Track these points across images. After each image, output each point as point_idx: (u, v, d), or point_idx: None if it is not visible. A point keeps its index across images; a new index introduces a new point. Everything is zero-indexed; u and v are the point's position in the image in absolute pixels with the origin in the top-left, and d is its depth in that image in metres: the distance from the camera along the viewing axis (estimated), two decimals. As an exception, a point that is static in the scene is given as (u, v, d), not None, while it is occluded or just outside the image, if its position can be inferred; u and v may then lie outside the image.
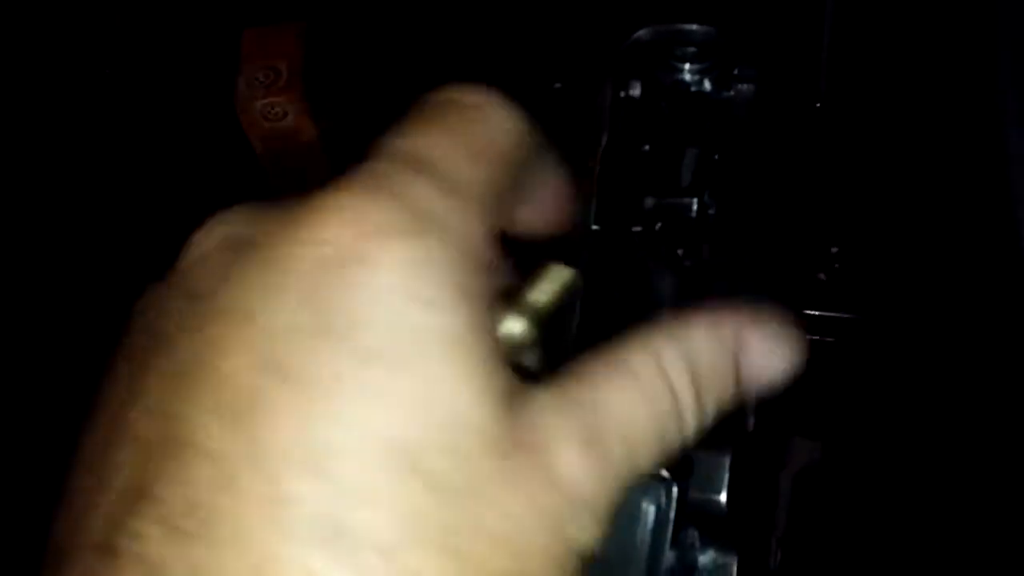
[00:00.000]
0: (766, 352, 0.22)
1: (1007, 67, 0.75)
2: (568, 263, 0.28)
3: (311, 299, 0.17)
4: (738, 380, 0.21)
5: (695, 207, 0.27)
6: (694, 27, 0.26)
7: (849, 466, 0.84)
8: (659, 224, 0.27)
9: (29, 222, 0.80)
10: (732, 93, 0.27)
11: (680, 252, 0.27)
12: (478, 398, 0.17)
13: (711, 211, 0.27)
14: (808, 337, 0.66)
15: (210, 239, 0.20)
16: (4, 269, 0.77)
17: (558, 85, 0.80)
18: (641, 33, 0.27)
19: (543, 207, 0.22)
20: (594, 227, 0.27)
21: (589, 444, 0.18)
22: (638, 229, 0.26)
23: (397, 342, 0.16)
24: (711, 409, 0.21)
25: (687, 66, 0.28)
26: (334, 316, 0.17)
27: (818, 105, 0.27)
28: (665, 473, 0.24)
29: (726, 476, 0.24)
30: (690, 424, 0.21)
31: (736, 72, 0.27)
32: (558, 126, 0.23)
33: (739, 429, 0.25)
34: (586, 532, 0.18)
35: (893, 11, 0.65)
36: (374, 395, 0.16)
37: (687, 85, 0.28)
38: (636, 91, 0.28)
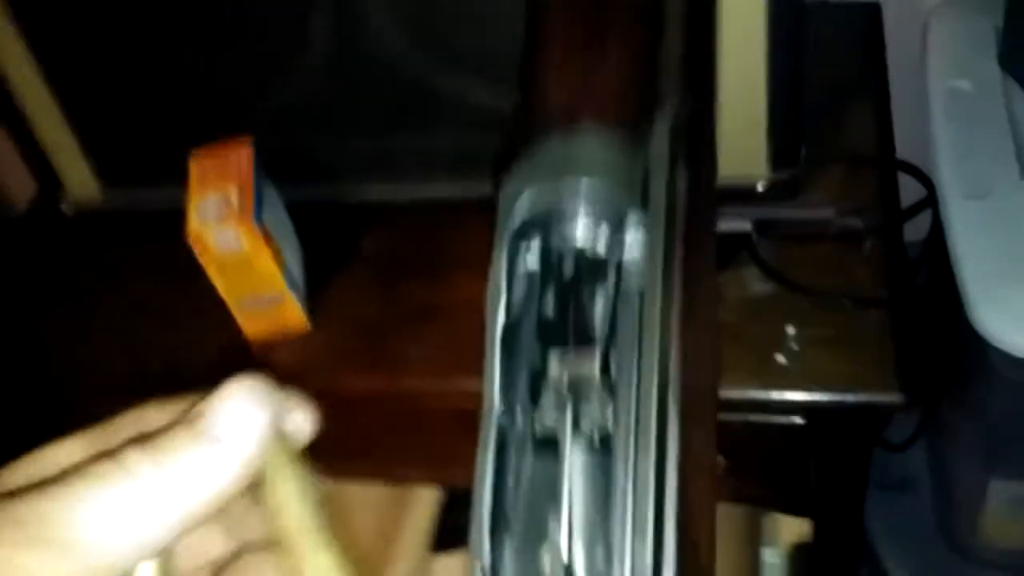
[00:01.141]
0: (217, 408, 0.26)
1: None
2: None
3: None
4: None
5: (597, 371, 0.27)
6: (579, 182, 0.26)
7: (838, 537, 0.83)
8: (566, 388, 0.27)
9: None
10: (625, 249, 0.27)
11: (586, 422, 0.27)
12: None
13: (612, 373, 0.27)
14: (775, 420, 0.65)
15: None
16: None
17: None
18: (527, 195, 0.27)
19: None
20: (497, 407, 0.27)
21: None
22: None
23: None
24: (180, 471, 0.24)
25: (580, 224, 0.28)
26: None
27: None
28: None
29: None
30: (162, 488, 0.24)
31: (626, 234, 0.27)
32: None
33: None
34: None
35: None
36: None
37: (580, 249, 0.28)
38: (533, 258, 0.28)
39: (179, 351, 0.80)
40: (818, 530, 0.82)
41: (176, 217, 0.76)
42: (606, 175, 0.27)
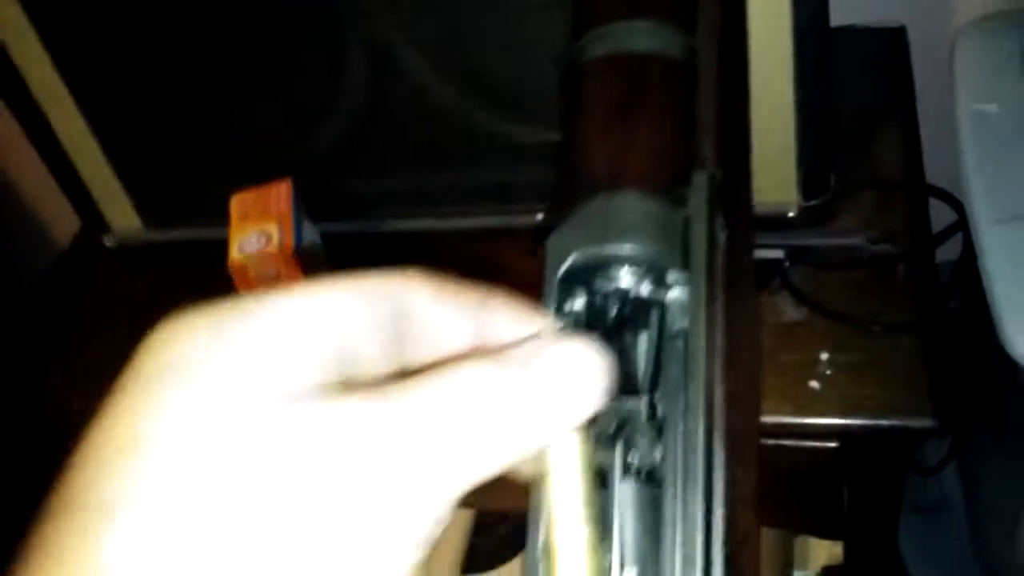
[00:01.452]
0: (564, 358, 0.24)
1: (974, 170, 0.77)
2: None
3: None
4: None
5: (645, 409, 0.29)
6: (622, 247, 0.28)
7: (871, 560, 0.84)
8: (612, 429, 0.28)
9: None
10: (668, 298, 0.29)
11: (634, 458, 0.28)
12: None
13: (658, 411, 0.29)
14: (809, 444, 0.66)
15: None
16: None
17: (540, 216, 0.83)
18: (575, 257, 0.28)
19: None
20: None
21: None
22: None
23: None
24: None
25: (623, 273, 0.30)
26: None
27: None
28: None
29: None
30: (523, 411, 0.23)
31: (669, 281, 0.29)
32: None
33: None
34: None
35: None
36: None
37: (626, 292, 0.30)
38: (579, 304, 0.30)
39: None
40: (850, 553, 0.83)
41: (216, 250, 0.78)
42: (648, 237, 0.28)
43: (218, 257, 0.77)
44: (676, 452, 0.27)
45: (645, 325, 0.30)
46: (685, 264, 0.28)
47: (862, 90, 0.86)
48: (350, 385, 0.22)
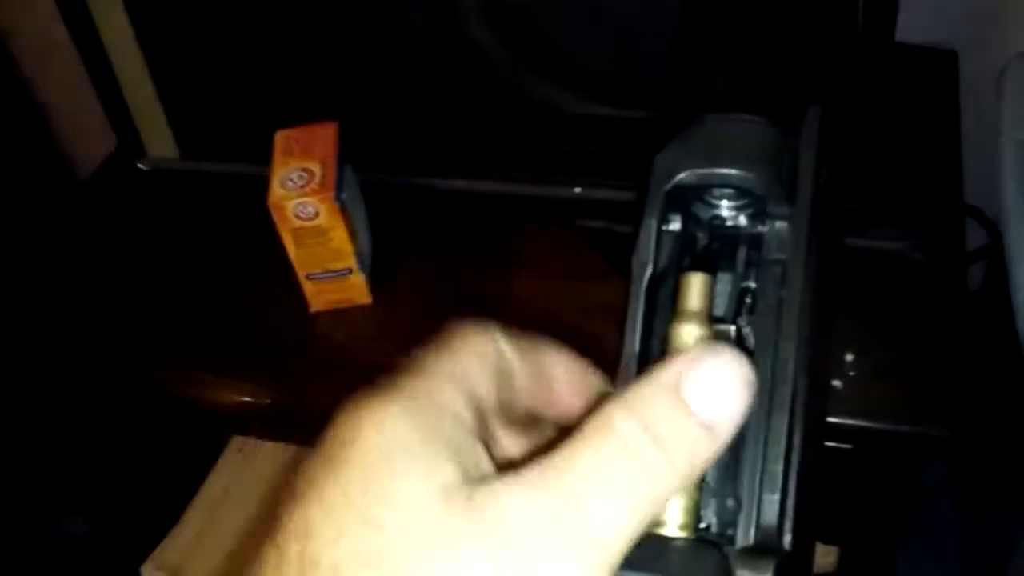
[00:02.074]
0: (709, 385, 0.23)
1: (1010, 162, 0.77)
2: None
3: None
4: (692, 416, 0.23)
5: (733, 335, 0.29)
6: (732, 171, 0.28)
7: (864, 572, 0.84)
8: None
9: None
10: (766, 229, 0.29)
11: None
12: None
13: (747, 340, 0.29)
14: (824, 444, 0.66)
15: None
16: None
17: (577, 190, 0.83)
18: (684, 175, 0.28)
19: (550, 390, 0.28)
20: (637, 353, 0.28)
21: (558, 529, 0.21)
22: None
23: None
24: (683, 460, 0.23)
25: (724, 202, 0.30)
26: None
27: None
28: None
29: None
30: (668, 479, 0.23)
31: (769, 210, 0.29)
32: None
33: (778, 549, 0.26)
34: None
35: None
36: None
37: (723, 220, 0.30)
38: (676, 225, 0.30)
39: (242, 315, 0.82)
40: (845, 562, 0.83)
41: (249, 185, 0.78)
42: (758, 165, 0.28)
43: (251, 193, 0.77)
44: (765, 375, 0.27)
45: (732, 261, 0.30)
46: (790, 196, 0.29)
47: (910, 106, 0.86)
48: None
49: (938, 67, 0.92)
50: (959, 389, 0.68)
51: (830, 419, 0.68)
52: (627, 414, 0.23)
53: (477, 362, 0.26)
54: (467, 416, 0.25)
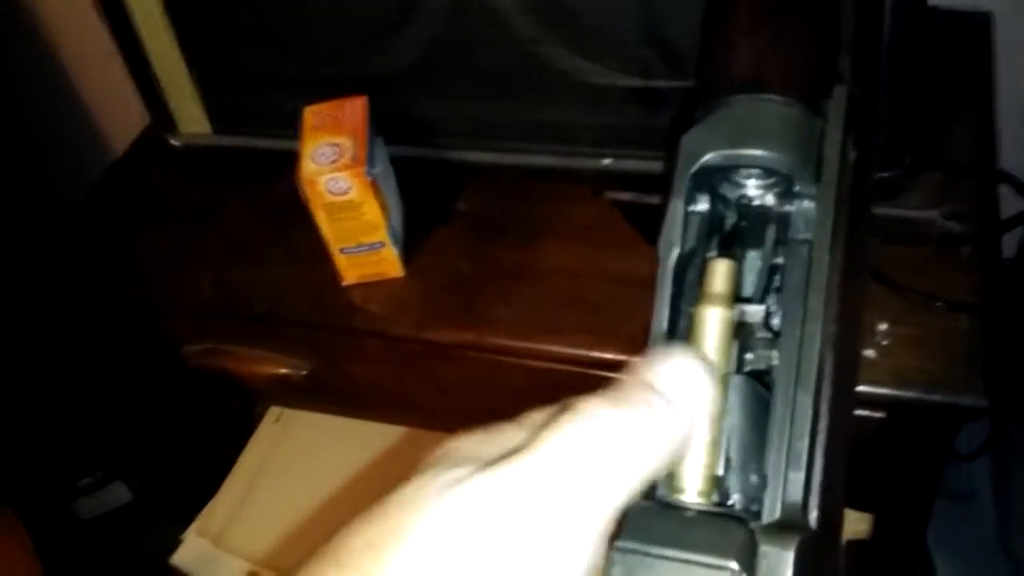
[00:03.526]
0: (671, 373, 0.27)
1: None
2: None
3: None
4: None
5: (762, 315, 0.29)
6: (759, 152, 0.28)
7: (898, 539, 0.84)
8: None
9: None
10: (793, 208, 0.29)
11: (749, 357, 0.29)
12: None
13: (775, 319, 0.29)
14: (857, 412, 0.66)
15: None
16: None
17: (607, 161, 0.83)
18: (710, 156, 0.28)
19: None
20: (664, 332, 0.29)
21: None
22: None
23: None
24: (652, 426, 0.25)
25: (751, 182, 0.30)
26: None
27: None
28: (735, 566, 0.25)
29: (790, 572, 0.26)
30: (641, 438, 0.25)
31: (796, 189, 0.29)
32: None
33: (803, 525, 0.26)
34: None
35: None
36: None
37: (750, 199, 0.30)
38: (703, 205, 0.30)
39: (274, 289, 0.83)
40: (879, 529, 0.83)
41: (280, 160, 0.78)
42: (784, 146, 0.28)
43: (282, 167, 0.77)
44: (791, 355, 0.27)
45: (760, 240, 0.30)
46: (817, 176, 0.29)
47: (944, 71, 0.85)
48: None
49: (973, 30, 0.90)
50: (992, 358, 0.68)
51: (863, 388, 0.68)
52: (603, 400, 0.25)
53: None
54: None
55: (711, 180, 0.30)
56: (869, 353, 0.68)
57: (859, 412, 0.69)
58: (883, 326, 0.69)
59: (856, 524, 0.87)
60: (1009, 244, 0.82)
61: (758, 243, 0.30)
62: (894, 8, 0.67)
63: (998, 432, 0.87)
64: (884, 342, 0.68)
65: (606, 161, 0.84)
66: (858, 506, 0.80)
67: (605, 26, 0.76)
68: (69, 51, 1.17)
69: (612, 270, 0.78)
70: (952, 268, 0.72)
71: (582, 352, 0.75)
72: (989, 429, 0.87)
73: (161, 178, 0.95)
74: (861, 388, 0.68)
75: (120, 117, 1.11)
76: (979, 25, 0.91)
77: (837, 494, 0.29)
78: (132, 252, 0.89)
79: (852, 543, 0.87)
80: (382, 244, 0.77)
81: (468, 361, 0.80)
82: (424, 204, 0.84)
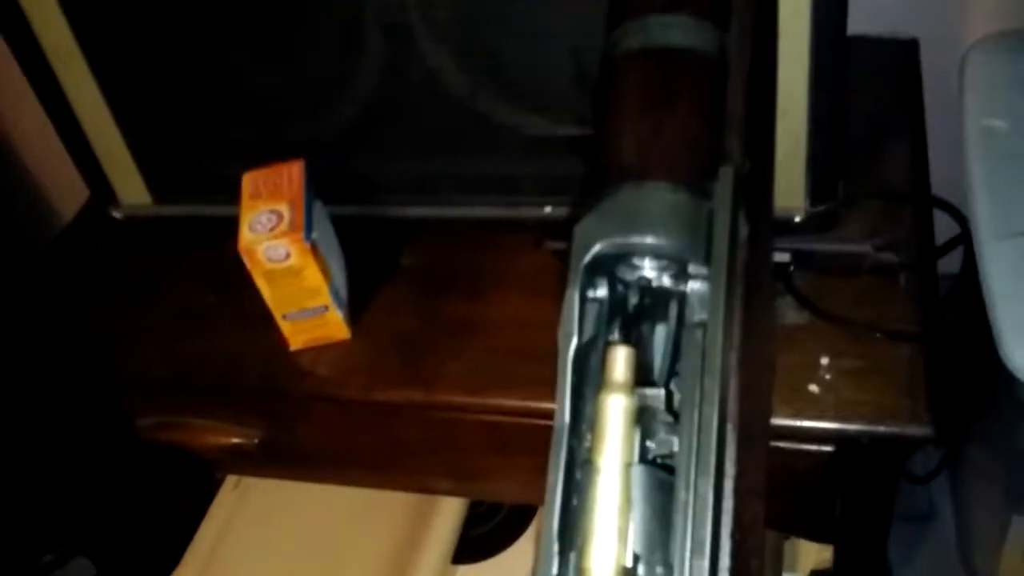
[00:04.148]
0: None
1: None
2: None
3: None
4: None
5: (663, 399, 0.29)
6: (646, 239, 0.29)
7: (859, 566, 0.84)
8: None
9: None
10: (688, 289, 0.30)
11: (651, 444, 0.29)
12: None
13: (676, 399, 0.29)
14: (806, 447, 0.67)
15: None
16: None
17: (548, 209, 0.83)
18: (601, 245, 0.29)
19: None
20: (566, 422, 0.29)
21: None
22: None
23: None
24: None
25: (646, 263, 0.30)
26: None
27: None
28: None
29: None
30: None
31: (690, 270, 0.29)
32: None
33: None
34: None
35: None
36: None
37: (649, 280, 0.30)
38: (603, 291, 0.30)
39: (223, 358, 0.82)
40: (840, 557, 0.83)
41: (224, 226, 0.78)
42: (672, 230, 0.29)
43: (227, 234, 0.77)
44: (690, 441, 0.28)
45: (664, 316, 0.31)
46: (707, 257, 0.29)
47: (872, 100, 0.87)
48: None
49: (901, 57, 0.92)
50: (936, 385, 0.68)
51: (809, 423, 0.69)
52: None
53: None
54: None
55: (608, 265, 0.30)
56: (813, 388, 0.69)
57: (807, 447, 0.70)
58: (825, 360, 0.70)
59: (819, 553, 0.87)
60: (947, 264, 0.83)
61: (663, 321, 0.31)
62: (815, 40, 0.68)
63: (952, 454, 0.88)
64: (827, 376, 0.69)
65: (547, 209, 0.84)
66: (817, 538, 0.81)
67: (541, 80, 0.77)
68: (10, 124, 1.16)
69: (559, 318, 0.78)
70: (890, 298, 0.73)
71: (534, 404, 0.75)
72: (943, 452, 0.88)
73: (106, 249, 0.94)
74: (807, 423, 0.68)
75: (65, 189, 1.10)
76: (906, 52, 0.93)
77: (750, 570, 0.29)
78: (79, 326, 0.89)
79: (816, 573, 0.88)
80: (325, 308, 0.77)
81: (421, 419, 0.80)
82: (368, 262, 0.84)
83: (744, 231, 0.30)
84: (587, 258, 0.29)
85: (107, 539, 1.14)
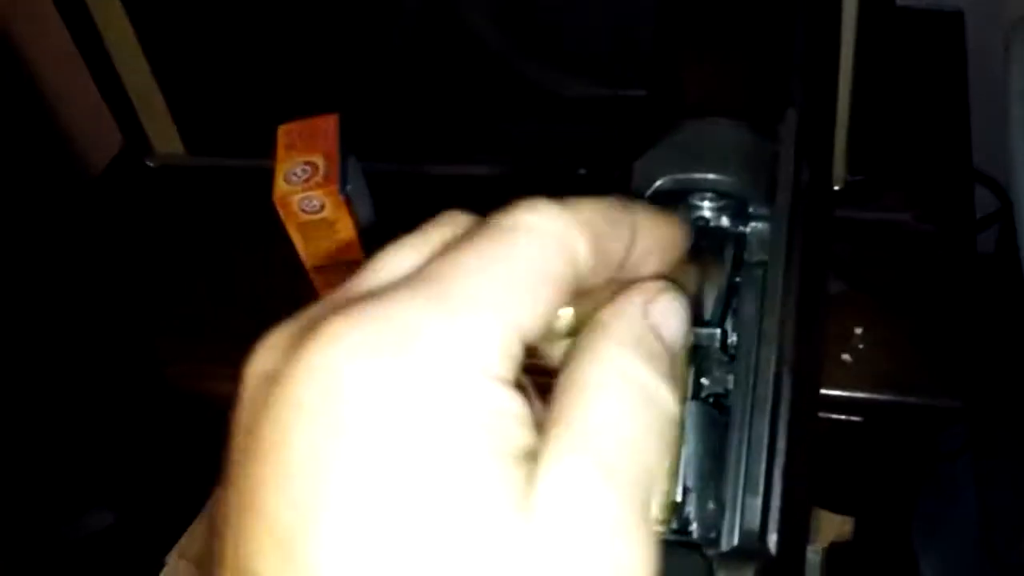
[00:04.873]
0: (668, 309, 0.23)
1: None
2: None
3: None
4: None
5: (718, 338, 0.29)
6: (709, 176, 0.28)
7: (881, 541, 0.84)
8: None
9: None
10: (748, 229, 0.29)
11: (705, 382, 0.29)
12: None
13: (731, 340, 0.29)
14: (835, 417, 0.67)
15: (253, 370, 0.21)
16: None
17: (582, 171, 0.83)
18: (662, 181, 0.28)
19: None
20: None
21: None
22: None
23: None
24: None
25: (706, 204, 0.30)
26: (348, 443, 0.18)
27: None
28: None
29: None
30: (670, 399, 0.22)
31: (751, 210, 0.29)
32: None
33: (761, 552, 0.26)
34: None
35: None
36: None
37: (707, 220, 0.30)
38: None
39: (254, 307, 0.82)
40: (861, 531, 0.83)
41: (255, 179, 0.78)
42: (736, 169, 0.28)
43: (258, 186, 0.77)
44: (746, 379, 0.27)
45: (720, 257, 0.30)
46: (770, 198, 0.29)
47: (916, 71, 0.86)
48: None
49: (945, 29, 0.91)
50: (969, 358, 0.68)
51: (840, 392, 0.69)
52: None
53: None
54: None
55: (666, 204, 0.30)
56: (845, 357, 0.68)
57: (837, 416, 0.69)
58: (859, 330, 0.69)
59: (840, 527, 0.87)
60: (985, 242, 0.82)
61: (719, 261, 0.30)
62: (861, 10, 0.67)
63: (979, 432, 0.87)
64: (860, 346, 0.68)
65: (582, 171, 0.84)
66: (840, 509, 0.80)
67: (580, 41, 0.77)
68: (48, 73, 1.16)
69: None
70: (927, 270, 0.72)
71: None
72: (969, 429, 0.87)
73: (138, 199, 0.95)
74: (838, 392, 0.68)
75: (96, 139, 1.10)
76: (950, 24, 0.91)
77: (798, 516, 0.29)
78: (111, 274, 0.89)
79: (836, 545, 0.87)
80: (358, 262, 0.77)
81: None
82: (402, 220, 0.84)
83: (806, 175, 0.30)
84: (648, 193, 0.28)
85: (128, 487, 1.15)
